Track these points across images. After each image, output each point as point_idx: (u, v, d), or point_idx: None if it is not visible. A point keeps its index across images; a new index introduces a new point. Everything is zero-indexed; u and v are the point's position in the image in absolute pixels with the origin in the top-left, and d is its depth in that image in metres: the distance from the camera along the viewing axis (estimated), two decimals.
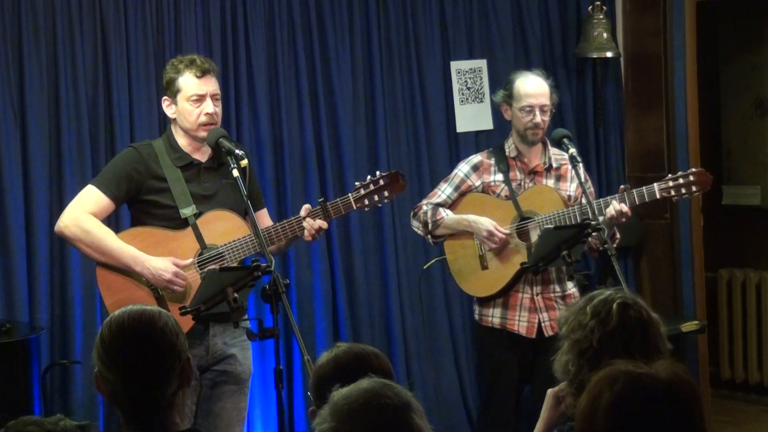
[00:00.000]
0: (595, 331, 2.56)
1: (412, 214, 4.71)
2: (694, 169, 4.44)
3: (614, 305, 2.58)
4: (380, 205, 4.21)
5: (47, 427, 2.05)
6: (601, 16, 6.03)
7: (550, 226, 4.38)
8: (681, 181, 4.37)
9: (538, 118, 4.51)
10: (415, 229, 4.71)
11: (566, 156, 4.63)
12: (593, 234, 4.17)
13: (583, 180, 4.43)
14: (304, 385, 5.31)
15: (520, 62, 5.98)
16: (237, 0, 5.26)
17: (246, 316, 3.72)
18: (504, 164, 4.59)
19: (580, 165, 4.41)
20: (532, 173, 4.59)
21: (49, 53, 4.85)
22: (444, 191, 4.64)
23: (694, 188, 4.38)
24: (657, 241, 6.28)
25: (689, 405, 2.01)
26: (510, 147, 4.61)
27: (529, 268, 4.32)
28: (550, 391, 2.77)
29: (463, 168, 4.66)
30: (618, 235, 4.54)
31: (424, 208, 4.63)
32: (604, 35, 6.03)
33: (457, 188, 4.63)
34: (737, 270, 6.63)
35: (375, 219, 5.55)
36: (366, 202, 4.12)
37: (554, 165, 4.61)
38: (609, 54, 6.08)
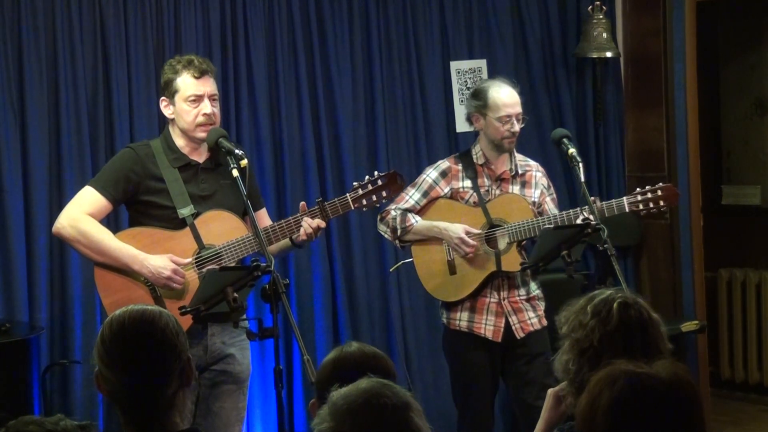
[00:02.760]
0: (596, 331, 2.56)
1: (379, 218, 4.69)
2: (661, 184, 4.47)
3: (615, 305, 2.58)
4: (378, 205, 4.20)
5: (47, 427, 2.05)
6: (601, 16, 6.03)
7: (549, 226, 4.38)
8: (649, 195, 4.40)
9: (516, 127, 4.54)
10: (382, 233, 4.70)
11: (530, 162, 4.68)
12: (593, 233, 4.17)
13: (583, 180, 4.42)
14: (304, 385, 5.31)
15: (520, 62, 5.99)
16: (237, 0, 5.26)
17: (245, 316, 3.72)
18: (472, 170, 4.60)
19: (580, 165, 4.41)
20: (499, 180, 4.60)
21: (49, 53, 4.86)
22: (412, 197, 4.62)
23: (661, 203, 4.40)
24: (657, 241, 6.28)
25: (689, 405, 2.01)
26: (478, 154, 4.62)
27: (530, 268, 4.33)
28: (550, 390, 2.77)
29: (431, 174, 4.65)
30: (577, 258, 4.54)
31: (392, 213, 4.61)
32: (604, 35, 6.03)
33: (425, 194, 4.62)
34: (737, 270, 6.63)
35: (375, 219, 5.53)
36: (364, 202, 4.12)
37: (520, 171, 4.63)
38: (609, 54, 6.08)
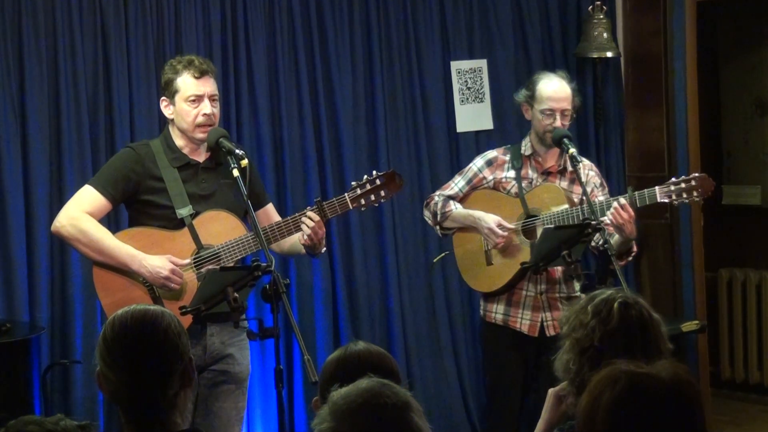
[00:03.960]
0: (596, 330, 2.56)
1: (424, 204, 4.73)
2: (696, 174, 4.40)
3: (615, 304, 2.58)
4: (377, 204, 4.20)
5: (47, 427, 2.05)
6: (602, 16, 6.03)
7: (550, 226, 4.38)
8: (683, 185, 4.34)
9: (558, 122, 4.49)
10: (426, 219, 4.73)
11: (584, 162, 4.61)
12: (594, 234, 4.17)
13: (583, 180, 4.42)
14: (305, 385, 5.31)
15: (520, 62, 5.99)
16: (237, 0, 5.26)
17: (245, 316, 3.72)
18: (518, 161, 4.60)
19: (581, 165, 4.41)
20: (546, 174, 4.58)
21: (49, 53, 4.85)
22: (457, 184, 4.66)
23: (695, 193, 4.34)
24: (657, 241, 6.28)
25: (690, 405, 2.01)
26: (526, 145, 4.61)
27: (530, 268, 4.32)
28: (551, 390, 2.77)
29: (477, 162, 4.67)
30: (635, 249, 4.50)
31: (436, 199, 4.65)
32: (605, 35, 6.03)
33: (469, 181, 4.64)
34: (737, 270, 6.63)
35: (375, 218, 5.55)
36: (362, 201, 4.13)
37: (569, 168, 4.59)
38: (609, 54, 6.08)
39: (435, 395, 5.64)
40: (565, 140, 4.44)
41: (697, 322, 6.00)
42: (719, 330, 6.67)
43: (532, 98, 4.54)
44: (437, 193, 4.69)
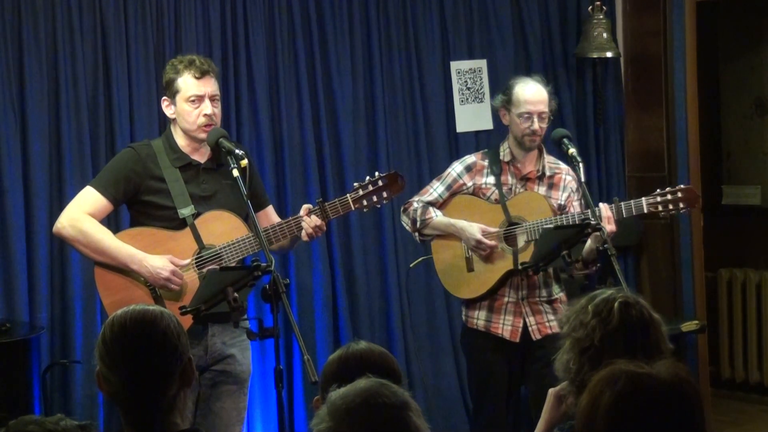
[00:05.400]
0: (597, 330, 2.56)
1: (402, 209, 4.70)
2: (682, 186, 4.44)
3: (616, 304, 2.58)
4: (379, 206, 4.20)
5: (48, 427, 2.05)
6: (601, 16, 6.03)
7: (550, 226, 4.38)
8: (669, 197, 4.36)
9: (536, 125, 4.49)
10: (404, 225, 4.70)
11: (561, 165, 4.62)
12: (593, 233, 4.16)
13: (583, 180, 4.41)
14: (304, 385, 5.31)
15: (520, 62, 5.99)
16: (237, 0, 5.26)
17: (245, 316, 3.72)
18: (497, 167, 4.58)
19: (581, 165, 4.40)
20: (524, 179, 4.57)
21: (49, 53, 4.85)
22: (436, 189, 4.63)
23: (681, 204, 4.37)
24: (657, 241, 6.28)
25: (690, 405, 2.01)
26: (505, 151, 4.60)
27: (530, 268, 4.32)
28: (551, 390, 2.77)
29: (456, 168, 4.65)
30: (598, 263, 4.51)
31: (415, 205, 4.62)
32: (604, 35, 6.03)
33: (449, 187, 4.62)
34: (737, 270, 6.63)
35: (375, 219, 5.55)
36: (364, 202, 4.12)
37: (548, 173, 4.58)
38: (609, 54, 6.08)
39: (435, 395, 5.64)
40: (565, 140, 4.44)
41: (696, 322, 6.00)
42: (719, 330, 6.67)
43: (509, 102, 4.53)
44: (415, 198, 4.65)
